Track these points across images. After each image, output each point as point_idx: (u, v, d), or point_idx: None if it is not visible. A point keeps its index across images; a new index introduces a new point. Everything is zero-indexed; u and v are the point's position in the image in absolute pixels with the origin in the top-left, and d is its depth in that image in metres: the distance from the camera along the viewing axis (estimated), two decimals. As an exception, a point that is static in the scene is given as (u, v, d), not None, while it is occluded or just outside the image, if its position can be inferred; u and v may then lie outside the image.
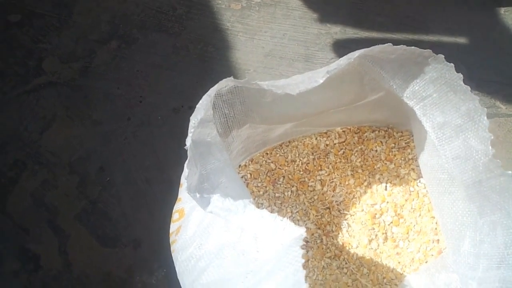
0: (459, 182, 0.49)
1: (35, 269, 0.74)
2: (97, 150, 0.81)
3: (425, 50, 0.46)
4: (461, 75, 0.46)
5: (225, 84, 0.50)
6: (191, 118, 0.47)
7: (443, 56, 0.46)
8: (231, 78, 0.49)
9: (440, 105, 0.49)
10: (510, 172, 0.44)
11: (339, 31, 0.87)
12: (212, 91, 0.49)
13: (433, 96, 0.48)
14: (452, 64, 0.46)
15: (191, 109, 0.80)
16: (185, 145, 0.46)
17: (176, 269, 0.51)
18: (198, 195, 0.43)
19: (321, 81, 0.48)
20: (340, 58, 0.49)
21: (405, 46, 0.46)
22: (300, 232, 0.39)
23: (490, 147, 0.45)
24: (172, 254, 0.53)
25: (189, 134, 0.46)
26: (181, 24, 0.90)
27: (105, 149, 0.81)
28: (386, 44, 0.46)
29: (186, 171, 0.43)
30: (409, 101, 0.51)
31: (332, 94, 0.59)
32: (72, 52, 0.89)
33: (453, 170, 0.49)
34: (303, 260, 0.35)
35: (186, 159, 0.48)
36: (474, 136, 0.46)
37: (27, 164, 0.81)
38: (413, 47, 0.46)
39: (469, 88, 0.46)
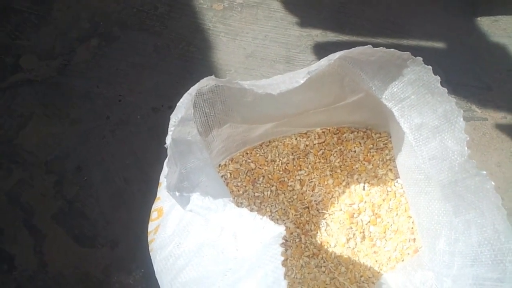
0: (436, 182, 0.50)
1: (9, 269, 0.73)
2: (75, 149, 0.80)
3: (404, 52, 0.47)
4: (439, 78, 0.47)
5: (206, 82, 0.50)
6: (171, 116, 0.47)
7: (421, 59, 0.48)
8: (213, 77, 0.50)
9: (418, 107, 0.50)
10: (484, 172, 0.45)
11: (320, 34, 0.88)
12: (193, 89, 0.49)
13: (411, 98, 0.49)
14: (430, 67, 0.47)
15: (171, 108, 0.81)
16: (165, 143, 0.46)
17: (154, 268, 0.51)
18: (177, 194, 0.43)
19: (302, 81, 0.48)
20: (321, 60, 0.50)
21: (384, 48, 0.47)
22: (279, 230, 0.39)
23: (466, 148, 0.46)
24: (150, 253, 0.53)
25: (169, 133, 0.46)
26: (162, 23, 0.90)
27: (83, 148, 0.80)
28: (366, 46, 0.47)
29: (165, 169, 0.43)
30: (388, 103, 0.51)
31: (312, 95, 0.60)
32: (51, 49, 0.88)
33: (430, 171, 0.50)
34: (283, 258, 0.36)
35: (166, 158, 0.48)
36: (451, 137, 0.48)
37: (3, 163, 0.79)
38: (392, 49, 0.47)
39: (446, 90, 0.47)
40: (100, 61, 0.87)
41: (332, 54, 0.49)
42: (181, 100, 0.49)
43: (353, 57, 0.51)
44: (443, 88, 0.47)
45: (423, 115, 0.49)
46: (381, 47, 0.47)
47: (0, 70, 0.86)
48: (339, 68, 0.54)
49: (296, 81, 0.49)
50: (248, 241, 0.42)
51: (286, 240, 0.65)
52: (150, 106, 0.83)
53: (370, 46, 0.47)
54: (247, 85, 0.50)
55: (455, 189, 0.48)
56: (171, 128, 0.46)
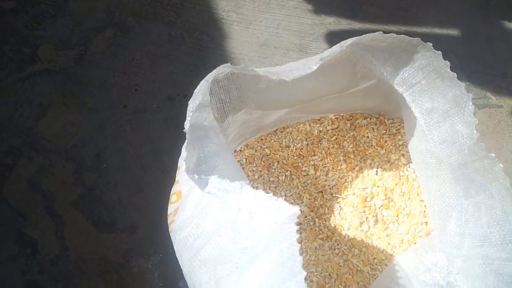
0: (446, 165, 0.52)
1: (32, 253, 0.76)
2: (93, 137, 0.83)
3: (414, 38, 0.49)
4: (448, 63, 0.49)
5: (222, 70, 0.53)
6: (189, 102, 0.50)
7: (431, 44, 0.49)
8: (228, 64, 0.52)
9: (428, 92, 0.52)
10: (493, 155, 0.47)
11: (333, 22, 0.90)
12: (210, 76, 0.51)
13: (421, 83, 0.51)
14: (439, 52, 0.49)
15: (186, 97, 0.84)
16: (183, 128, 0.48)
17: (175, 247, 0.54)
18: (196, 177, 0.46)
19: (315, 67, 0.50)
20: (333, 46, 0.52)
21: (395, 34, 0.49)
22: (294, 210, 0.42)
23: (475, 131, 0.48)
24: (170, 234, 0.56)
25: (188, 118, 0.48)
26: (176, 13, 0.92)
27: (101, 136, 0.83)
28: (377, 33, 0.49)
29: (184, 153, 0.46)
30: (399, 88, 0.53)
31: (325, 81, 0.62)
32: (68, 40, 0.91)
33: (440, 154, 0.52)
34: (297, 235, 0.38)
35: (181, 146, 0.50)
36: (460, 121, 0.49)
37: (23, 151, 0.83)
38: (402, 35, 0.49)
39: (455, 75, 0.49)
40: (115, 51, 0.90)
41: (344, 40, 0.51)
42: (198, 87, 0.51)
43: (364, 44, 0.53)
44: (453, 73, 0.49)
45: (434, 99, 0.51)
46: (392, 33, 0.49)
47: (19, 60, 0.90)
48: (351, 55, 0.56)
49: (309, 68, 0.51)
50: (263, 221, 0.45)
51: (301, 223, 0.67)
52: (165, 95, 0.86)
53: (381, 32, 0.49)
54: (262, 72, 0.52)
55: (465, 172, 0.50)
56: (189, 114, 0.48)
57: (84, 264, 0.75)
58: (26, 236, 0.78)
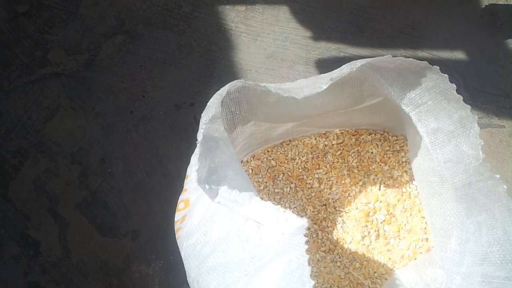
0: (449, 184, 0.54)
1: (35, 255, 0.78)
2: (99, 142, 0.85)
3: (422, 61, 0.52)
4: (455, 86, 0.51)
5: (235, 84, 0.55)
6: (202, 115, 0.52)
7: (438, 67, 0.52)
8: (242, 80, 0.54)
9: (434, 112, 0.54)
10: (497, 176, 0.49)
11: (339, 37, 0.92)
12: (223, 90, 0.53)
13: (428, 104, 0.53)
14: (446, 75, 0.51)
15: (193, 105, 0.86)
16: (195, 140, 0.50)
17: (182, 254, 0.55)
18: (207, 187, 0.47)
19: (325, 87, 0.52)
20: (343, 66, 0.54)
21: (403, 57, 0.51)
22: (302, 222, 0.44)
23: (481, 153, 0.50)
24: (177, 240, 0.57)
25: (200, 130, 0.50)
26: (186, 22, 0.95)
27: (107, 141, 0.85)
28: (386, 56, 0.51)
29: (196, 164, 0.48)
30: (406, 107, 0.55)
31: (332, 98, 0.64)
32: (78, 45, 0.93)
33: (444, 173, 0.54)
34: (306, 247, 0.40)
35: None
36: (466, 142, 0.51)
37: (30, 152, 0.85)
38: (410, 58, 0.51)
39: (461, 97, 0.51)
40: (124, 57, 0.92)
41: (354, 61, 0.53)
42: (211, 99, 0.53)
43: (373, 64, 0.55)
44: (459, 95, 0.51)
45: (439, 120, 0.53)
46: (400, 57, 0.51)
47: (29, 63, 0.92)
48: (360, 73, 0.58)
49: (319, 87, 0.53)
50: (271, 231, 0.47)
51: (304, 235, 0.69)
52: (172, 103, 0.87)
53: (390, 55, 0.51)
54: (273, 89, 0.54)
55: (469, 191, 0.52)
56: (202, 126, 0.50)
57: (86, 267, 0.77)
58: (29, 237, 0.79)
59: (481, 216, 0.51)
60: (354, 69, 0.52)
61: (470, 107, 0.51)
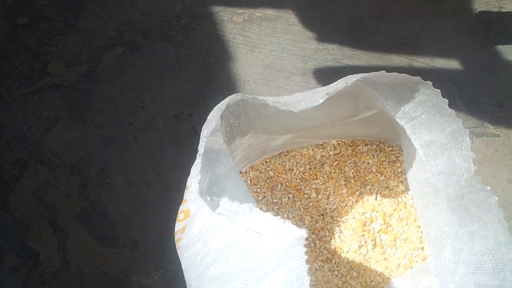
0: (443, 195, 0.56)
1: (34, 265, 0.79)
2: (99, 153, 0.87)
3: (415, 77, 0.54)
4: (447, 100, 0.54)
5: (234, 98, 0.57)
6: (203, 128, 0.54)
7: (431, 82, 0.54)
8: (241, 93, 0.56)
9: (428, 125, 0.56)
10: (488, 187, 0.51)
11: (336, 48, 0.94)
12: (223, 104, 0.55)
13: (421, 117, 0.56)
14: (438, 90, 0.54)
15: (191, 116, 0.88)
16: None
17: (182, 264, 0.57)
18: (208, 198, 0.49)
19: (321, 101, 0.55)
20: (339, 80, 0.56)
21: (397, 73, 0.53)
22: (301, 233, 0.46)
23: (472, 165, 0.52)
24: (178, 251, 0.59)
25: (201, 144, 0.52)
26: (184, 34, 0.97)
27: (106, 152, 0.87)
28: (380, 71, 0.53)
29: (198, 175, 0.49)
30: (400, 120, 0.58)
31: (329, 111, 0.66)
32: (77, 56, 0.95)
33: (438, 184, 0.56)
34: (306, 257, 0.42)
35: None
36: (458, 154, 0.54)
37: (30, 163, 0.86)
38: (404, 74, 0.54)
39: (453, 112, 0.53)
40: (124, 68, 0.94)
41: (350, 76, 0.55)
42: (211, 113, 0.55)
43: (368, 79, 0.57)
44: (451, 109, 0.53)
45: (433, 133, 0.55)
46: (394, 72, 0.53)
47: (29, 74, 0.94)
48: (355, 87, 0.61)
49: (316, 101, 0.55)
50: (271, 242, 0.48)
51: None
52: (171, 114, 0.89)
53: (384, 71, 0.53)
54: (271, 102, 0.56)
55: (461, 202, 0.54)
56: (203, 139, 0.52)
57: (85, 277, 0.78)
58: (28, 248, 0.80)
59: (474, 226, 0.53)
60: (349, 84, 0.54)
61: (461, 121, 0.53)
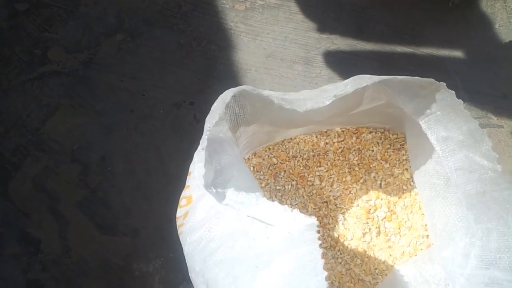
0: (461, 191, 0.52)
1: (35, 252, 0.76)
2: (99, 140, 0.83)
3: (428, 79, 0.51)
4: (461, 101, 0.51)
5: (239, 89, 0.54)
6: (206, 120, 0.51)
7: (445, 84, 0.51)
8: (247, 86, 0.53)
9: (444, 122, 0.52)
10: None
11: (339, 37, 0.91)
12: (227, 96, 0.53)
13: (436, 114, 0.52)
14: (453, 92, 0.51)
15: (193, 104, 0.85)
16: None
17: (185, 249, 0.54)
18: (214, 190, 0.47)
19: (328, 102, 0.53)
20: (347, 81, 0.54)
21: (408, 76, 0.51)
22: (312, 220, 0.43)
23: (498, 165, 0.50)
24: (180, 236, 0.56)
25: (205, 136, 0.49)
26: (185, 22, 0.93)
27: (107, 139, 0.83)
28: (391, 76, 0.51)
29: (202, 168, 0.46)
30: (414, 116, 0.54)
31: (334, 106, 0.63)
32: (78, 43, 0.91)
33: (456, 180, 0.52)
34: (320, 242, 0.40)
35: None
36: (477, 153, 0.51)
37: (30, 150, 0.83)
38: (416, 77, 0.51)
39: (469, 113, 0.51)
40: (124, 56, 0.90)
41: (359, 78, 0.53)
42: (215, 104, 0.52)
43: (378, 82, 0.54)
44: (467, 111, 0.50)
45: (449, 129, 0.52)
46: (405, 76, 0.51)
47: (29, 61, 0.89)
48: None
49: (322, 102, 0.53)
50: (278, 231, 0.46)
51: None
52: (172, 102, 0.86)
53: (396, 76, 0.51)
54: (276, 99, 0.54)
55: (482, 199, 0.50)
56: (206, 132, 0.49)
57: (86, 265, 0.75)
58: (29, 235, 0.77)
59: (492, 223, 0.50)
60: (359, 89, 0.52)
61: (478, 122, 0.51)
